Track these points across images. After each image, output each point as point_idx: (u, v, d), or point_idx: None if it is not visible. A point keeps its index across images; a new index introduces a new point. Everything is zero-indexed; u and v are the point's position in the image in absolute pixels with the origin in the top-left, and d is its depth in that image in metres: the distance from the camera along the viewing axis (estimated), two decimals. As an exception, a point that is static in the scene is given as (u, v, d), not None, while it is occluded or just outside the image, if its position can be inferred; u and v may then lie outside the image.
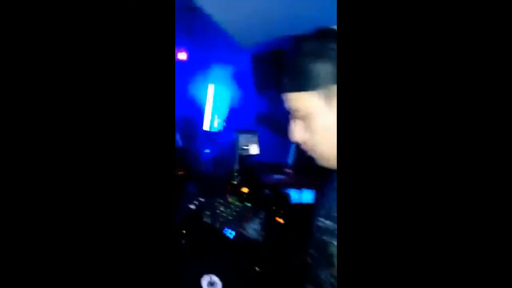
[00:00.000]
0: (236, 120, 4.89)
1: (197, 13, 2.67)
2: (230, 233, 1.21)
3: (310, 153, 0.84)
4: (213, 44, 3.80)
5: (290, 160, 3.29)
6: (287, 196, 1.76)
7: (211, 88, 5.15)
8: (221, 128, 5.19)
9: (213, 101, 5.23)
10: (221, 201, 1.60)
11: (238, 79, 4.73)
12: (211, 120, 5.26)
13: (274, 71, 2.97)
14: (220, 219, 1.36)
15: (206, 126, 5.21)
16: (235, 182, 1.89)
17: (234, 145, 2.42)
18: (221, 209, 1.48)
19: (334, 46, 0.76)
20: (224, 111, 5.15)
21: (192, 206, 1.46)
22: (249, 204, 1.62)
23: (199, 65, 4.67)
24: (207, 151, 3.09)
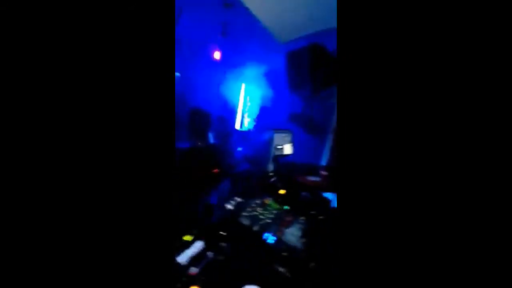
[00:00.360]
0: (267, 119, 4.83)
1: (232, 10, 2.63)
2: (271, 239, 1.14)
3: None
4: (248, 43, 3.78)
5: (325, 161, 3.16)
6: (328, 200, 1.66)
7: (242, 87, 5.15)
8: (251, 127, 5.16)
9: (244, 100, 5.23)
10: (258, 202, 1.54)
11: (271, 78, 4.68)
12: (242, 119, 5.26)
13: (308, 69, 2.86)
14: (259, 222, 1.30)
15: (237, 125, 5.22)
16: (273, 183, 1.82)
17: (267, 144, 2.36)
18: (259, 210, 1.42)
19: None
20: (255, 109, 5.12)
21: (230, 206, 1.42)
22: (287, 207, 1.54)
23: (232, 64, 4.69)
24: (240, 149, 3.05)
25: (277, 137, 2.38)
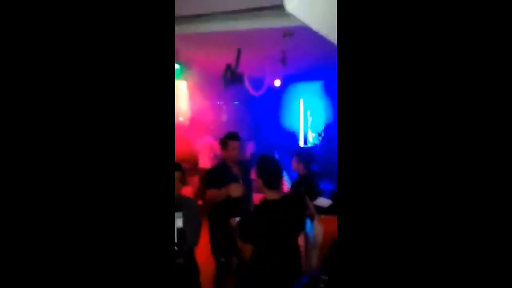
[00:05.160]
0: (332, 130, 4.66)
1: (292, 38, 2.61)
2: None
3: None
4: (306, 65, 3.73)
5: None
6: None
7: (301, 103, 5.09)
8: (317, 141, 5.02)
9: (305, 115, 5.15)
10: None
11: (331, 91, 4.53)
12: (306, 134, 5.17)
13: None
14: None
15: (301, 142, 5.14)
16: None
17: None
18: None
19: None
20: (319, 123, 4.98)
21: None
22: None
23: (292, 87, 4.71)
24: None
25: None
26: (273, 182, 1.74)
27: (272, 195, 1.71)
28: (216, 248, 2.11)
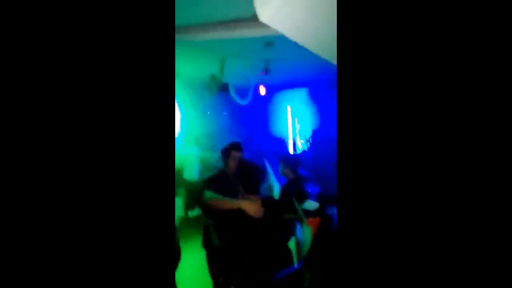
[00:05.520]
0: (320, 136, 4.73)
1: (274, 47, 2.67)
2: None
3: None
4: (289, 74, 3.81)
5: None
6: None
7: (289, 110, 5.16)
8: (305, 148, 5.08)
9: (293, 122, 5.21)
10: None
11: (316, 96, 4.62)
12: (294, 141, 5.22)
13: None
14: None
15: (290, 149, 5.19)
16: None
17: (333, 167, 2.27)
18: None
19: None
20: (306, 130, 5.05)
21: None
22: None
23: (279, 97, 4.78)
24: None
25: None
26: (253, 186, 1.75)
27: (254, 210, 1.73)
28: (213, 268, 2.06)
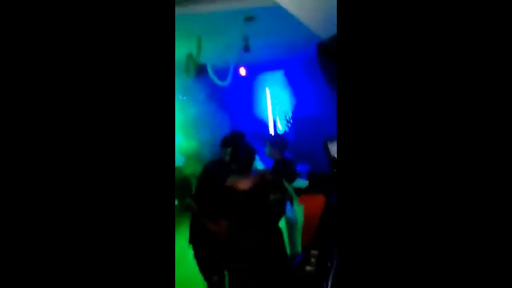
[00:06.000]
0: (300, 114, 4.76)
1: (256, 22, 2.54)
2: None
3: None
4: (269, 51, 3.70)
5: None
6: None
7: (267, 92, 5.09)
8: (286, 128, 5.09)
9: (272, 104, 5.17)
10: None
11: (294, 78, 4.59)
12: (274, 123, 5.20)
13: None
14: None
15: (271, 130, 5.17)
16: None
17: (325, 154, 2.27)
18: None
19: None
20: (287, 111, 5.04)
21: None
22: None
23: (258, 76, 4.67)
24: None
25: (332, 146, 2.28)
26: (245, 165, 1.74)
27: (243, 184, 1.70)
28: (205, 267, 1.97)
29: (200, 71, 3.20)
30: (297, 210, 2.10)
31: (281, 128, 5.17)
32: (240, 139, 2.03)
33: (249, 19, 2.55)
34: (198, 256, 1.97)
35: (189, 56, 2.97)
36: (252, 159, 1.81)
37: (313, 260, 1.02)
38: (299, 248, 1.94)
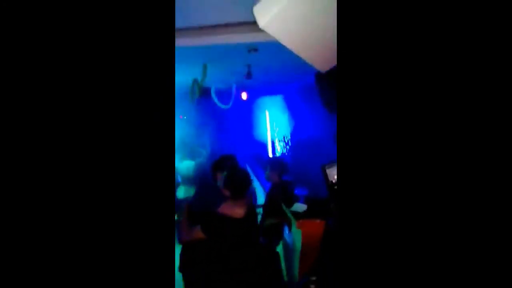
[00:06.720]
0: (298, 137, 4.84)
1: (259, 53, 2.70)
2: None
3: None
4: (269, 79, 3.86)
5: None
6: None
7: (267, 115, 5.22)
8: (284, 151, 5.16)
9: (271, 126, 5.28)
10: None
11: (290, 104, 4.75)
12: (273, 145, 5.29)
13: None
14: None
15: (270, 153, 5.24)
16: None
17: (323, 178, 2.32)
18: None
19: None
20: (285, 134, 5.14)
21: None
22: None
23: (259, 103, 4.83)
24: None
25: (331, 171, 2.35)
26: (241, 192, 1.75)
27: (237, 211, 1.73)
28: None
29: (203, 93, 3.33)
30: (295, 235, 2.13)
31: (279, 151, 5.24)
32: (234, 163, 2.06)
33: (252, 50, 2.71)
34: (188, 285, 1.91)
35: (195, 81, 3.11)
36: (248, 185, 1.83)
37: (312, 286, 1.04)
38: (296, 273, 1.95)
